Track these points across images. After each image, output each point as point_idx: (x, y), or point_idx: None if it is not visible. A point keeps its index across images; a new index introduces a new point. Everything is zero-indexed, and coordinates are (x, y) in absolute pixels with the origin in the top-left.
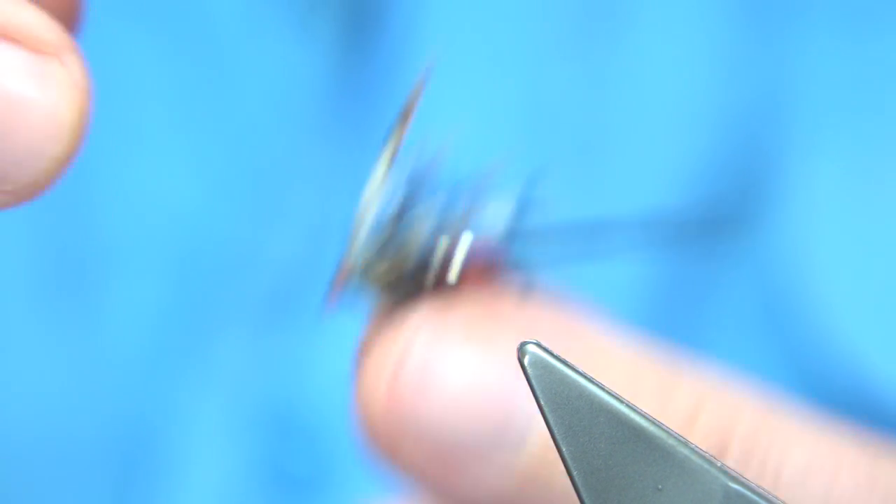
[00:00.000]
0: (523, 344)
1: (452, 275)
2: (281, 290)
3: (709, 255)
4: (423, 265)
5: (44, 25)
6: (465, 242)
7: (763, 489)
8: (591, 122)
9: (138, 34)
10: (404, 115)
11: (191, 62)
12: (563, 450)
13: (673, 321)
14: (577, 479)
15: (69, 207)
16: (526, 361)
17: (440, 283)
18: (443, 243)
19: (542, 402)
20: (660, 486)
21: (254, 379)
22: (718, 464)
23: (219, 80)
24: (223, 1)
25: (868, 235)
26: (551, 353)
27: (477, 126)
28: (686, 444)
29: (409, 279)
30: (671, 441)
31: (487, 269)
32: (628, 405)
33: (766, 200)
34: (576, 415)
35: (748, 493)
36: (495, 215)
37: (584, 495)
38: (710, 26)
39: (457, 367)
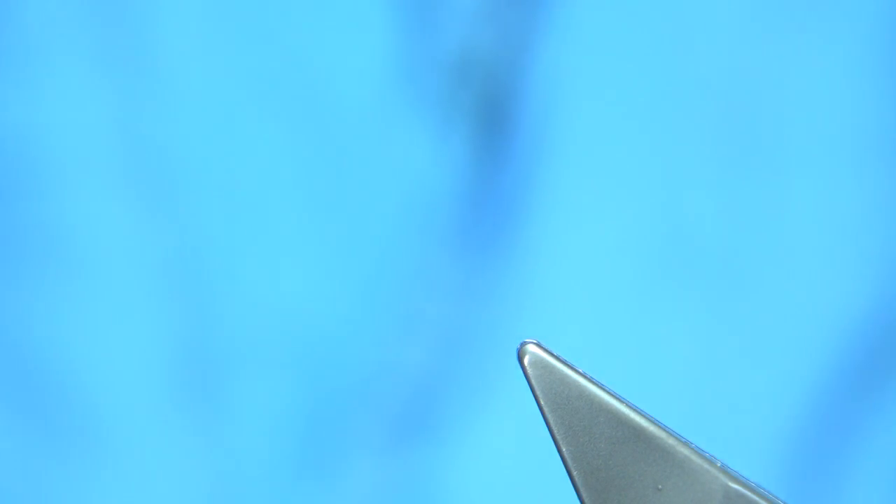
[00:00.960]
0: (523, 343)
1: None
2: (413, 403)
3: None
4: None
5: None
6: None
7: (763, 489)
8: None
9: (269, 132)
10: None
11: (321, 165)
12: (563, 450)
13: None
14: (577, 479)
15: (199, 311)
16: (526, 361)
17: None
18: None
19: (541, 402)
20: (660, 486)
21: (385, 496)
22: (718, 464)
23: (351, 185)
24: (355, 107)
25: None
26: (551, 353)
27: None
28: (686, 444)
29: None
30: (671, 441)
31: None
32: (628, 405)
33: None
34: (576, 415)
35: (748, 493)
36: None
37: (584, 495)
38: None
39: None
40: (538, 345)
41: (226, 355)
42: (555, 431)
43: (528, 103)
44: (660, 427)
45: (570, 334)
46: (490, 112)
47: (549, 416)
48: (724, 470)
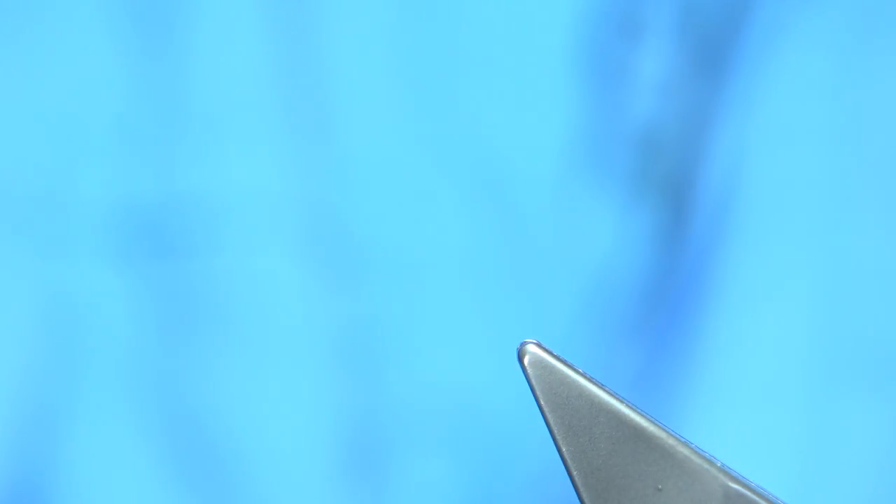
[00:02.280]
0: (523, 344)
1: None
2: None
3: None
4: None
5: None
6: None
7: (763, 489)
8: None
9: (450, 206)
10: None
11: (502, 241)
12: (563, 450)
13: None
14: (577, 479)
15: (369, 384)
16: (526, 361)
17: None
18: None
19: (541, 402)
20: (660, 486)
21: None
22: (718, 464)
23: (531, 263)
24: (538, 182)
25: None
26: (551, 353)
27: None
28: (686, 444)
29: None
30: (671, 441)
31: None
32: (628, 405)
33: None
34: (576, 415)
35: (748, 493)
36: None
37: (584, 495)
38: None
39: None
40: (538, 345)
41: (393, 432)
42: (555, 431)
43: (711, 181)
44: (660, 427)
45: (741, 428)
46: (673, 189)
47: (549, 416)
48: (724, 470)
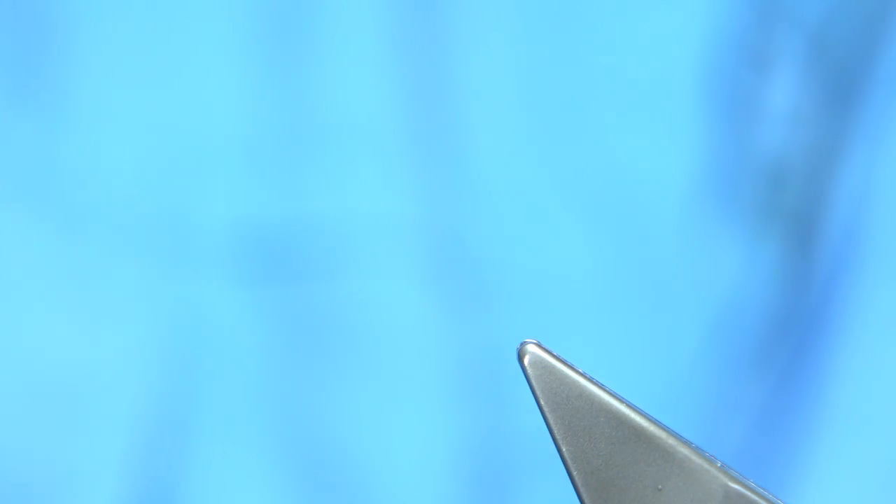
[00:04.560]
0: (523, 343)
1: None
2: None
3: None
4: None
5: None
6: None
7: (763, 489)
8: None
9: (576, 236)
10: None
11: (627, 272)
12: (563, 450)
13: None
14: (577, 479)
15: (492, 412)
16: (526, 361)
17: None
18: None
19: (541, 402)
20: (660, 486)
21: None
22: (718, 464)
23: (656, 295)
24: (665, 213)
25: None
26: (551, 353)
27: None
28: (686, 444)
29: None
30: (671, 441)
31: None
32: (628, 405)
33: None
34: (576, 415)
35: (748, 493)
36: None
37: (584, 495)
38: None
39: None
40: (538, 345)
41: (517, 459)
42: (555, 431)
43: (839, 214)
44: (660, 427)
45: (872, 464)
46: (800, 222)
47: (549, 416)
48: (724, 470)
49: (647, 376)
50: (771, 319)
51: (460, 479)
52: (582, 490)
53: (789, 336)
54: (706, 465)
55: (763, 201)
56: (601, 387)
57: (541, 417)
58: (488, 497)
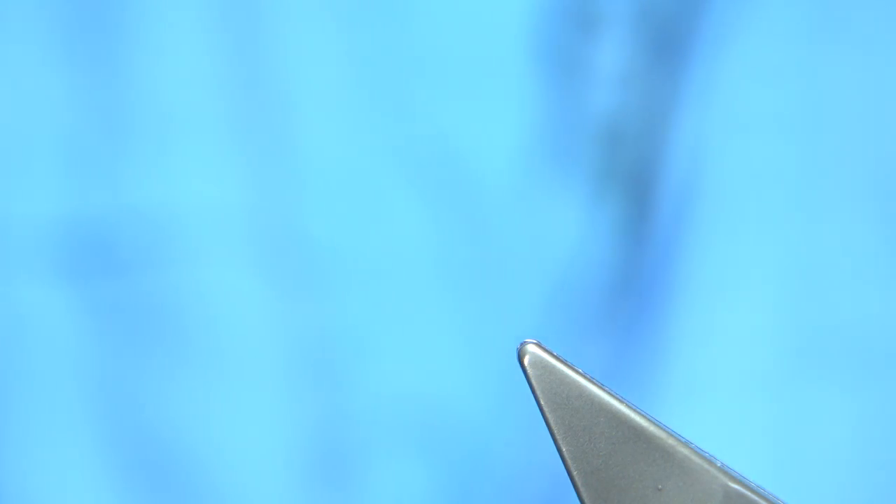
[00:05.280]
0: (523, 343)
1: None
2: (552, 489)
3: None
4: None
5: None
6: None
7: (763, 489)
8: None
9: (410, 208)
10: None
11: (463, 242)
12: (563, 450)
13: None
14: (577, 479)
15: (333, 392)
16: (526, 361)
17: None
18: None
19: (541, 402)
20: (660, 486)
21: None
22: (718, 463)
23: (494, 262)
24: (500, 180)
25: None
26: (551, 353)
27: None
28: (686, 444)
29: None
30: (671, 441)
31: None
32: (628, 405)
33: None
34: (576, 415)
35: (748, 493)
36: None
37: (584, 495)
38: None
39: None
40: (538, 345)
41: (360, 439)
42: (555, 431)
43: (674, 174)
44: (660, 427)
45: (708, 419)
46: (636, 183)
47: (549, 416)
48: (724, 470)
49: (491, 342)
50: (611, 279)
51: (302, 465)
52: (582, 490)
53: (630, 295)
54: (706, 465)
55: (598, 163)
56: (601, 387)
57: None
58: (331, 479)
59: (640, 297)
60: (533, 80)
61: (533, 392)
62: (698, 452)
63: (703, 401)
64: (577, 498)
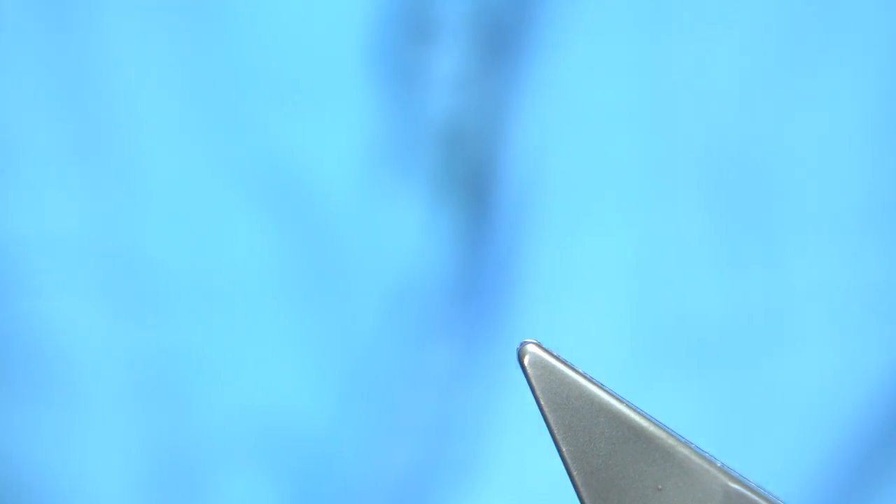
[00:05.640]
0: (523, 343)
1: None
2: (399, 500)
3: None
4: None
5: None
6: None
7: (763, 489)
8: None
9: (248, 222)
10: None
11: (304, 254)
12: (563, 450)
13: None
14: (577, 479)
15: (179, 410)
16: (526, 361)
17: None
18: None
19: (541, 402)
20: (660, 486)
21: None
22: (718, 463)
23: (336, 272)
24: (339, 189)
25: None
26: (551, 353)
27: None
28: (686, 444)
29: None
30: (671, 441)
31: None
32: (628, 405)
33: None
34: (576, 415)
35: (748, 493)
36: None
37: (584, 495)
38: None
39: None
40: (538, 345)
41: (206, 457)
42: (555, 431)
43: (514, 174)
44: (660, 427)
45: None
46: (476, 185)
47: (549, 416)
48: (724, 470)
49: (334, 351)
50: (454, 283)
51: (149, 483)
52: (582, 490)
53: (473, 298)
54: (706, 465)
55: (437, 167)
56: (601, 387)
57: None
58: (180, 499)
59: (484, 298)
60: (369, 86)
61: (533, 392)
62: (698, 452)
63: None
64: (577, 498)
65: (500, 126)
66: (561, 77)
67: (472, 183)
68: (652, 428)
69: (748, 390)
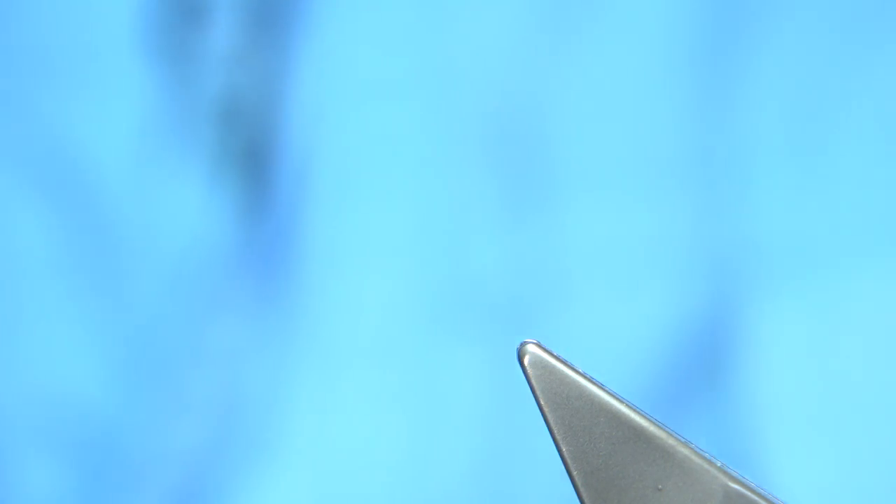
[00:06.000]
0: (523, 343)
1: None
2: (186, 475)
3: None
4: None
5: None
6: None
7: (763, 489)
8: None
9: (28, 203)
10: None
11: (85, 233)
12: (563, 450)
13: None
14: (577, 479)
15: None
16: (526, 361)
17: None
18: None
19: (541, 402)
20: (660, 486)
21: None
22: (718, 463)
23: (117, 249)
24: (117, 168)
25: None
26: (551, 353)
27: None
28: (686, 444)
29: None
30: (671, 441)
31: None
32: (628, 405)
33: (730, 349)
34: (576, 415)
35: (748, 493)
36: None
37: (584, 495)
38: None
39: None
40: (538, 345)
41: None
42: (555, 431)
43: (292, 146)
44: (660, 427)
45: (346, 389)
46: (254, 159)
47: (549, 416)
48: (724, 470)
49: (120, 332)
50: (236, 258)
51: None
52: (582, 490)
53: (257, 272)
54: (706, 465)
55: (215, 144)
56: (601, 387)
57: (539, 417)
58: None
59: (267, 272)
60: (143, 65)
61: (533, 392)
62: (698, 452)
63: (339, 369)
64: (577, 498)
65: (275, 100)
66: (335, 49)
67: (250, 158)
68: (652, 428)
69: None
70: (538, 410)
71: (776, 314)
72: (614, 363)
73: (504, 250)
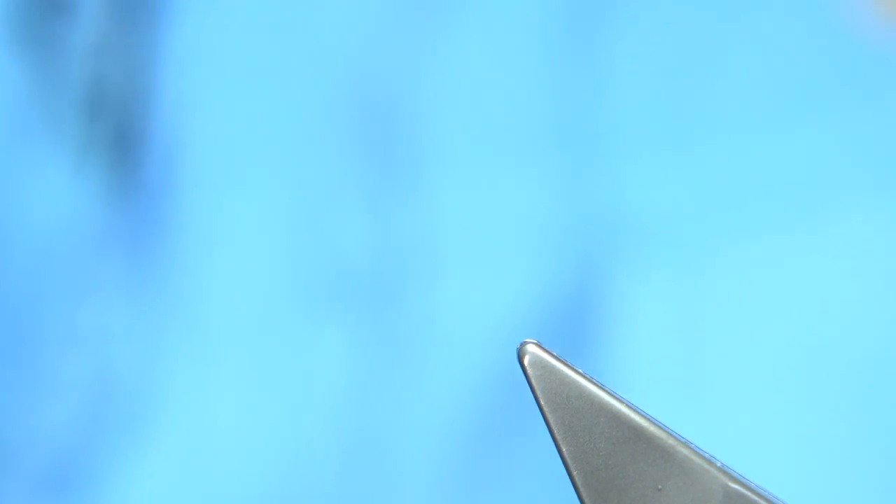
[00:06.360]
0: (523, 344)
1: None
2: (56, 459)
3: None
4: None
5: None
6: None
7: (763, 489)
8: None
9: None
10: None
11: None
12: (563, 450)
13: None
14: (577, 479)
15: None
16: (526, 361)
17: None
18: None
19: (541, 402)
20: (660, 486)
21: None
22: (718, 464)
23: None
24: None
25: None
26: (551, 353)
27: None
28: (686, 444)
29: None
30: (671, 441)
31: None
32: (628, 405)
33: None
34: (576, 415)
35: (748, 493)
36: None
37: (584, 495)
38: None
39: None
40: (538, 345)
41: None
42: (555, 431)
43: (160, 131)
44: (660, 427)
45: (216, 369)
46: (123, 145)
47: (549, 416)
48: (724, 470)
49: None
50: (106, 244)
51: None
52: (582, 490)
53: (128, 257)
54: (706, 465)
55: (82, 130)
56: (601, 387)
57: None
58: None
59: (138, 255)
60: (6, 54)
61: (533, 392)
62: (698, 452)
63: (209, 350)
64: (577, 498)
65: (142, 87)
66: (202, 35)
67: (117, 143)
68: (652, 428)
69: (401, 325)
70: (538, 410)
71: (642, 287)
72: (482, 339)
73: (373, 230)
